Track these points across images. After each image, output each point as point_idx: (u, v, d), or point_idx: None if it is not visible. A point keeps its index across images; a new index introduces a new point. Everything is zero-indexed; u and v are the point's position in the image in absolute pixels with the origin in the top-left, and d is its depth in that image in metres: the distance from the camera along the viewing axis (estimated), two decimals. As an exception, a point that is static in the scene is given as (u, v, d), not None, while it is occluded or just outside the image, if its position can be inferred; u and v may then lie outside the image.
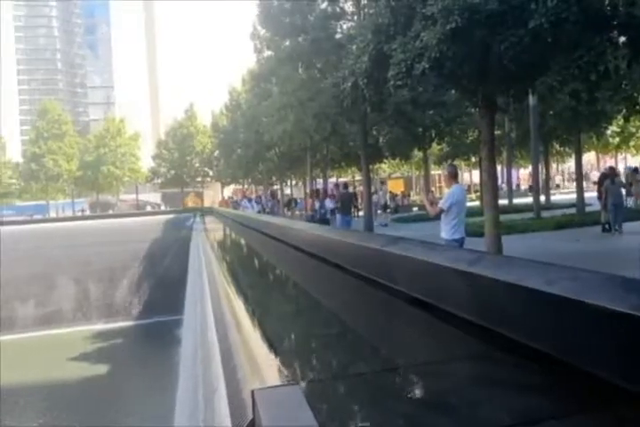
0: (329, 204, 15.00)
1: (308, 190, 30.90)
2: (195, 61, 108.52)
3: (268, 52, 18.48)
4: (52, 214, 46.83)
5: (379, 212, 22.76)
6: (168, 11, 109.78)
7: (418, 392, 2.02)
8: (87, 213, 47.33)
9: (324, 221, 12.16)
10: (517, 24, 6.81)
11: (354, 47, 9.98)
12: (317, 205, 13.76)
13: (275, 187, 39.62)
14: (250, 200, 31.39)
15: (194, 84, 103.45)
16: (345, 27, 15.35)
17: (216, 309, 3.92)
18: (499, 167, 24.18)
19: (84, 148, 46.03)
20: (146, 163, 50.16)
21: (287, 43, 16.07)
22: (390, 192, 26.59)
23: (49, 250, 29.13)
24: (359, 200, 22.66)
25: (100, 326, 27.99)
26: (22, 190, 46.13)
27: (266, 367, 2.12)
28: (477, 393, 1.81)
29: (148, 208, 49.84)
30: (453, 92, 12.72)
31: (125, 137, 46.67)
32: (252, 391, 1.60)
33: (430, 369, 2.10)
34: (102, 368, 20.87)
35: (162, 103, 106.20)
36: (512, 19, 6.93)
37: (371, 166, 22.09)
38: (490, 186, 9.79)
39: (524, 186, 47.56)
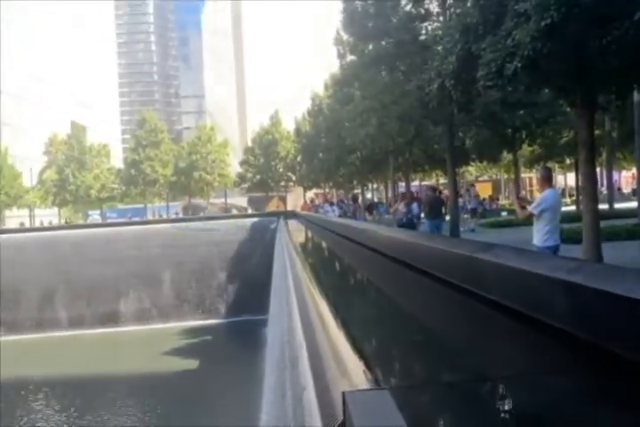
0: (416, 208, 14.65)
1: (390, 194, 30.64)
2: (279, 70, 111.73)
3: (350, 57, 18.61)
4: (149, 217, 50.21)
5: (464, 216, 22.05)
6: (254, 23, 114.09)
7: (509, 405, 1.94)
8: (180, 215, 50.22)
9: (410, 225, 11.86)
10: (621, 16, 6.34)
11: (440, 48, 9.78)
12: (405, 209, 13.48)
13: (356, 191, 39.75)
14: (331, 204, 31.70)
15: (278, 91, 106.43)
16: (430, 28, 15.08)
17: (302, 310, 4.00)
18: (597, 169, 22.50)
19: (178, 154, 48.93)
20: (234, 168, 52.39)
21: (370, 47, 16.09)
22: (476, 196, 25.64)
23: (147, 250, 31.25)
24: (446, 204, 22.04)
25: (192, 323, 29.53)
26: (123, 194, 49.89)
27: (354, 370, 2.13)
28: (574, 410, 1.71)
29: (234, 211, 51.94)
30: (547, 91, 12.06)
31: (215, 144, 49.03)
32: (343, 393, 1.62)
33: (523, 382, 2.01)
34: (193, 363, 21.97)
35: (249, 111, 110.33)
36: (614, 11, 6.46)
37: (456, 169, 21.49)
38: (589, 189, 9.14)
39: (626, 189, 43.96)
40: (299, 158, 47.29)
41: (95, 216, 53.80)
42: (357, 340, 2.61)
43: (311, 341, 2.82)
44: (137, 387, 20.11)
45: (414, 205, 14.74)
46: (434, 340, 2.96)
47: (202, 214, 48.54)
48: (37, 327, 29.17)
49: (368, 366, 2.16)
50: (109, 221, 47.52)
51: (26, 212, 51.18)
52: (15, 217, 52.60)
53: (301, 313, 3.83)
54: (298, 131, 47.18)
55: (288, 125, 50.89)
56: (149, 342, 26.55)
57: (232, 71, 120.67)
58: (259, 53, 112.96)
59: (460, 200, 22.47)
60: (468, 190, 29.11)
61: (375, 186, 46.03)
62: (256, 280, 27.36)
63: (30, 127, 73.72)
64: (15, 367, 22.93)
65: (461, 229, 15.34)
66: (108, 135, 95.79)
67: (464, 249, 3.52)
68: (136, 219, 44.59)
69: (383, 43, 15.13)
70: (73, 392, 19.91)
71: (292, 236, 14.53)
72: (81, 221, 53.12)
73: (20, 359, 25.01)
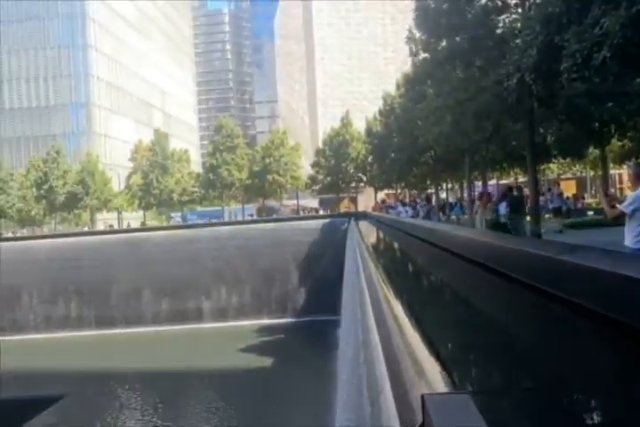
0: (502, 208, 13.97)
1: (466, 194, 29.74)
2: (349, 71, 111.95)
3: (423, 55, 18.27)
4: (226, 218, 52.16)
5: (546, 216, 20.91)
6: (324, 25, 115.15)
7: (593, 410, 1.83)
8: (254, 217, 51.72)
9: (501, 227, 11.07)
10: None
11: (519, 41, 9.37)
12: (495, 207, 12.90)
13: (429, 191, 38.95)
14: (404, 204, 31.28)
15: (349, 92, 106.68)
16: (507, 21, 14.46)
17: (376, 311, 3.97)
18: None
19: (253, 158, 50.40)
20: (306, 170, 53.19)
21: (444, 43, 15.71)
22: (560, 194, 24.21)
23: (225, 251, 32.50)
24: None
25: (266, 322, 30.34)
26: (202, 197, 52.17)
27: (431, 373, 2.10)
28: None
29: (305, 213, 52.65)
30: (638, 80, 11.17)
31: (288, 147, 50.00)
32: (422, 396, 1.60)
33: (604, 386, 1.89)
34: (266, 361, 22.54)
35: (320, 113, 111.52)
36: None
37: (537, 167, 20.44)
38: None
39: None
40: (370, 159, 47.10)
41: (177, 218, 56.68)
42: (434, 342, 2.56)
43: (387, 342, 2.80)
44: (214, 382, 20.93)
45: (501, 205, 14.09)
46: (513, 343, 2.84)
47: (275, 216, 49.67)
48: (125, 323, 31.18)
49: (445, 368, 2.11)
50: (189, 222, 49.89)
51: (114, 214, 54.96)
52: (104, 219, 56.61)
53: (376, 314, 3.81)
54: (369, 131, 47.03)
55: (359, 126, 50.89)
56: (226, 339, 27.52)
57: (303, 74, 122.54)
58: (329, 57, 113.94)
59: (542, 199, 21.34)
60: (549, 189, 27.58)
61: (450, 186, 44.85)
62: (327, 281, 27.55)
63: (118, 136, 79.11)
64: (104, 360, 24.61)
65: (542, 229, 14.54)
66: (188, 141, 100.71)
67: (549, 251, 3.33)
68: (214, 221, 46.47)
69: (457, 39, 14.71)
70: (154, 385, 21.07)
71: (363, 236, 14.50)
72: (165, 223, 56.20)
73: (109, 353, 26.81)
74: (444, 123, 17.99)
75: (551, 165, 40.06)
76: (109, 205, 52.00)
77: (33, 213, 49.35)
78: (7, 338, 30.39)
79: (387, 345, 2.76)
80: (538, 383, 2.11)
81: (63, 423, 17.39)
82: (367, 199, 52.26)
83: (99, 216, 55.69)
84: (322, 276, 30.10)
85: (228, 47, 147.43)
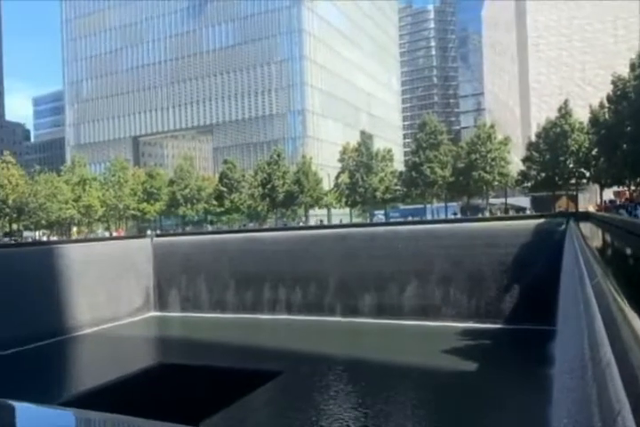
0: None
1: None
2: (569, 56, 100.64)
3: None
4: (428, 217, 51.94)
5: None
6: (538, 12, 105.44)
7: None
8: (458, 216, 50.33)
9: None
10: None
11: None
12: None
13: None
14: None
15: (567, 79, 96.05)
16: None
17: (609, 325, 3.56)
18: None
19: (457, 155, 49.03)
20: (515, 166, 49.66)
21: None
22: None
23: (425, 249, 32.39)
24: None
25: (470, 325, 29.33)
26: (404, 196, 52.78)
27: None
28: None
29: (511, 213, 49.12)
30: None
31: (495, 142, 47.34)
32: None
33: None
34: (471, 365, 21.78)
35: (533, 104, 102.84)
36: None
37: None
38: None
39: None
40: (594, 152, 41.62)
41: (380, 216, 58.58)
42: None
43: (624, 361, 2.52)
44: (416, 379, 21.05)
45: None
46: None
47: (480, 215, 47.59)
48: (334, 312, 33.46)
49: None
50: (391, 220, 51.05)
51: (324, 211, 59.41)
52: (316, 215, 61.63)
53: (608, 329, 3.43)
54: (594, 120, 41.56)
55: (580, 116, 45.33)
56: (429, 338, 27.48)
57: (514, 64, 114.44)
58: (544, 41, 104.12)
59: None
60: None
61: None
62: (540, 287, 25.38)
63: (328, 138, 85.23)
64: (316, 344, 26.80)
65: None
66: (392, 140, 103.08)
67: None
68: (416, 219, 46.66)
69: None
70: (360, 372, 22.10)
71: (586, 240, 12.95)
72: (368, 221, 58.66)
73: (320, 337, 29.09)
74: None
75: None
76: (320, 203, 56.41)
77: (259, 208, 56.63)
78: (235, 316, 35.43)
79: (624, 364, 2.48)
80: None
81: (281, 397, 19.54)
82: (590, 198, 46.26)
83: (311, 212, 60.86)
84: (533, 281, 27.88)
85: (432, 44, 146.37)
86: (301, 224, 54.78)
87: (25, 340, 27.56)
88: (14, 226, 55.78)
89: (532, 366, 16.79)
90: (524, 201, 56.66)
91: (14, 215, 52.13)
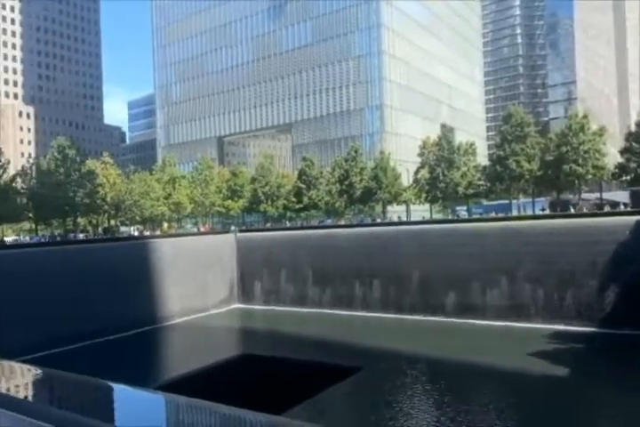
0: None
1: None
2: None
3: None
4: (514, 213, 49.47)
5: None
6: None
7: None
8: (546, 211, 47.50)
9: None
10: None
11: None
12: None
13: None
14: None
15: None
16: None
17: None
18: None
19: (545, 147, 46.27)
20: (612, 158, 46.01)
21: None
22: None
23: (511, 247, 30.86)
24: None
25: (560, 327, 27.58)
26: (488, 191, 50.68)
27: None
28: None
29: (607, 208, 45.54)
30: None
31: (589, 133, 44.12)
32: None
33: None
34: (561, 371, 20.52)
35: (632, 91, 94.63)
36: None
37: None
38: None
39: None
40: None
41: (462, 212, 56.69)
42: None
43: None
44: (496, 382, 20.18)
45: None
46: None
47: (572, 211, 44.64)
48: (413, 310, 32.87)
49: None
50: (474, 216, 49.22)
51: (403, 207, 58.50)
52: (394, 212, 60.86)
53: None
54: None
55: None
56: (513, 340, 26.22)
57: (610, 49, 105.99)
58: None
59: None
60: None
61: None
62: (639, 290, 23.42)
63: (406, 133, 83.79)
64: (395, 341, 26.49)
65: None
66: (474, 134, 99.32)
67: None
68: (500, 215, 44.63)
69: None
70: (441, 372, 21.56)
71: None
72: (449, 217, 57.00)
73: (399, 335, 28.73)
74: None
75: None
76: (399, 199, 55.63)
77: (337, 205, 56.93)
78: (315, 310, 35.88)
79: None
80: None
81: (360, 393, 19.54)
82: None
83: (389, 208, 60.21)
84: (633, 283, 25.73)
85: (518, 31, 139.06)
86: (378, 220, 54.34)
87: (128, 326, 30.14)
88: (112, 222, 60.39)
89: (632, 376, 15.50)
90: (623, 196, 52.34)
91: (112, 212, 56.40)
